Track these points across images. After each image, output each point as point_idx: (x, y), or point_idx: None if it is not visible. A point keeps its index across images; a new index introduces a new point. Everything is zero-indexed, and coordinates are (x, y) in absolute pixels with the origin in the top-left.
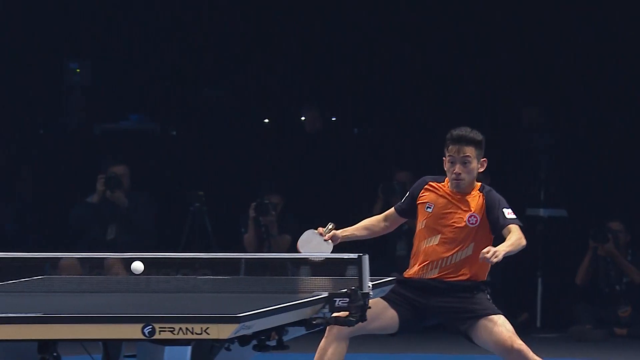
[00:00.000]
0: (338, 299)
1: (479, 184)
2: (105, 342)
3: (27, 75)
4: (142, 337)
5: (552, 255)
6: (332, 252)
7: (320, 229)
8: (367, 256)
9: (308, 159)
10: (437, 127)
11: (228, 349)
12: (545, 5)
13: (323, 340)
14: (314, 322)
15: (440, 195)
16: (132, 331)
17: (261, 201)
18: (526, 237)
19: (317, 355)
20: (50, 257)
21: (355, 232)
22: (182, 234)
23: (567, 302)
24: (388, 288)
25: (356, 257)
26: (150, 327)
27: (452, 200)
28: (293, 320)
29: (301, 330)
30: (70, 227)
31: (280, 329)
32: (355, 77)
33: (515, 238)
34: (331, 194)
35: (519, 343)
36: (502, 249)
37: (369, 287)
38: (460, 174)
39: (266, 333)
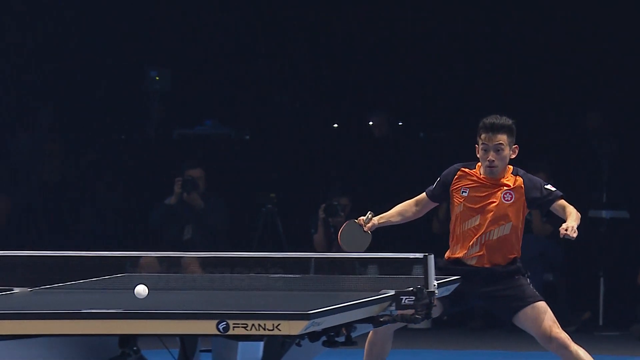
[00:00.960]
0: (404, 297)
1: (511, 167)
2: (182, 337)
3: (109, 84)
4: (217, 332)
5: (613, 255)
6: (398, 252)
7: (361, 219)
8: (432, 256)
9: (375, 162)
10: None
11: (299, 345)
12: (608, 11)
13: (372, 333)
14: (381, 319)
15: (474, 181)
16: (208, 327)
17: (330, 203)
18: (589, 239)
19: (366, 347)
20: (131, 256)
21: (390, 219)
22: (255, 234)
23: (629, 301)
24: (453, 287)
25: (422, 256)
26: (225, 323)
27: (487, 183)
28: (361, 318)
29: (369, 327)
30: (150, 228)
31: (349, 326)
32: (420, 83)
33: (574, 212)
34: (397, 195)
35: (557, 332)
36: (574, 224)
37: (435, 285)
38: (493, 160)
39: (335, 329)
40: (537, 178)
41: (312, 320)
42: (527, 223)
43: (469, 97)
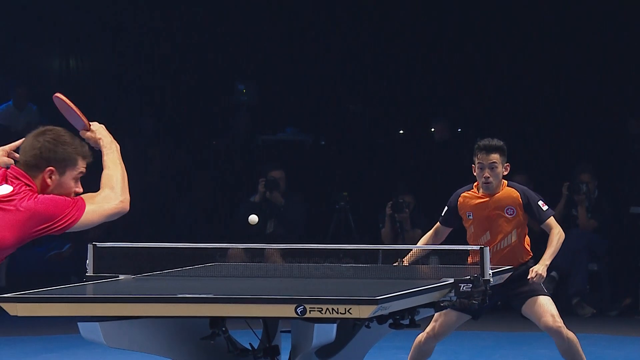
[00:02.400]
0: (462, 285)
1: (505, 182)
2: (265, 319)
3: (203, 96)
4: (296, 315)
5: None
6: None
7: (395, 264)
8: (487, 248)
9: (437, 164)
10: (551, 134)
11: (368, 327)
12: None
13: (424, 335)
14: (442, 304)
15: (475, 201)
16: (287, 310)
17: (396, 200)
18: (629, 233)
19: (414, 344)
20: (220, 248)
21: (418, 255)
22: (329, 228)
23: None
24: (507, 275)
25: (478, 248)
26: (302, 307)
27: (488, 202)
28: (423, 303)
29: (430, 311)
30: (237, 222)
31: (413, 310)
32: (478, 93)
33: (554, 241)
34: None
35: (558, 324)
36: (543, 265)
37: (490, 274)
38: (489, 177)
39: (400, 313)
40: (533, 194)
41: (379, 305)
42: (574, 218)
43: (522, 105)
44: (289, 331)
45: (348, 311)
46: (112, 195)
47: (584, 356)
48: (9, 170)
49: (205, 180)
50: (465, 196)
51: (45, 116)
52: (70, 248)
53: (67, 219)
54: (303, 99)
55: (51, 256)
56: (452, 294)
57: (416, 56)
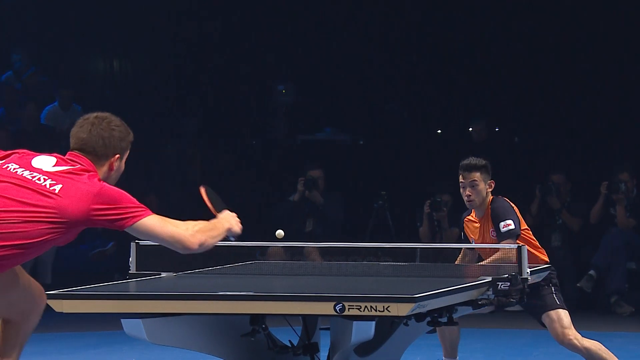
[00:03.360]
0: (500, 283)
1: (491, 198)
2: (304, 316)
3: (243, 96)
4: (334, 313)
5: None
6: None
7: None
8: (525, 246)
9: None
10: (589, 133)
11: (406, 325)
12: None
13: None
14: (480, 303)
15: (473, 225)
16: (326, 308)
17: (434, 199)
18: None
19: (438, 330)
20: (260, 246)
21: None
22: (367, 227)
23: None
24: (544, 274)
25: (515, 247)
26: (341, 305)
27: (481, 224)
28: (461, 301)
29: (468, 309)
30: (276, 221)
31: (451, 308)
32: (515, 93)
33: (496, 255)
34: (494, 193)
35: (570, 338)
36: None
37: (527, 272)
38: (470, 195)
39: (438, 311)
40: (501, 212)
41: (417, 303)
42: (612, 217)
43: (560, 104)
44: (328, 328)
45: (386, 309)
46: (190, 227)
47: (613, 357)
48: (65, 156)
49: (245, 180)
50: (467, 219)
51: None
52: (114, 246)
53: (130, 212)
54: (342, 99)
55: (95, 254)
56: (490, 292)
57: (455, 56)
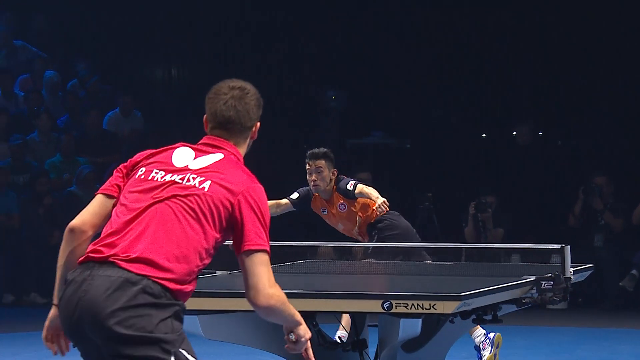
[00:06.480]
0: (544, 282)
1: (335, 186)
2: (353, 314)
3: (294, 102)
4: (382, 310)
5: None
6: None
7: None
8: (568, 246)
9: (519, 166)
10: (631, 135)
11: (452, 322)
12: None
13: None
14: (524, 301)
15: (321, 202)
16: (374, 306)
17: (479, 201)
18: None
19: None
20: (311, 246)
21: None
22: (414, 227)
23: None
24: (587, 273)
25: (559, 247)
26: (389, 302)
27: (328, 204)
28: (505, 299)
29: (512, 307)
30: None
31: (495, 306)
32: (559, 97)
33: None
34: (538, 194)
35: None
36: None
37: (571, 272)
38: (315, 180)
39: (483, 309)
40: (342, 182)
41: (463, 301)
42: None
43: (603, 107)
44: (376, 325)
45: (432, 307)
46: (278, 288)
47: None
48: (200, 142)
49: (296, 183)
50: (315, 196)
51: (149, 122)
52: None
53: (266, 233)
54: (390, 104)
55: None
56: (534, 291)
57: (499, 61)
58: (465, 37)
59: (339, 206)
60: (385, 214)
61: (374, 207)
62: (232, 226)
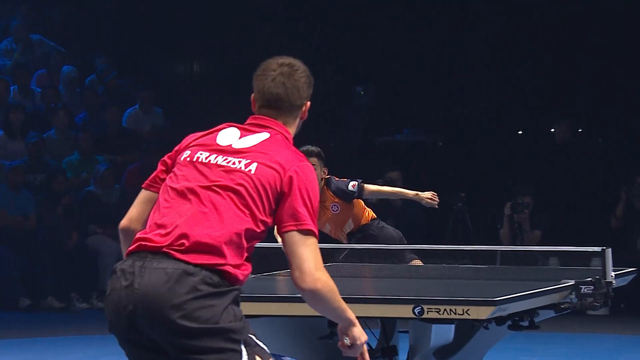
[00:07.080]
0: (584, 287)
1: (325, 187)
2: (382, 319)
3: (322, 98)
4: (413, 316)
5: None
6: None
7: None
8: (609, 249)
9: (557, 165)
10: None
11: (486, 328)
12: None
13: None
14: (562, 307)
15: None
16: (405, 311)
17: (515, 201)
18: None
19: None
20: (339, 248)
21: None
22: (447, 229)
23: None
24: (630, 277)
25: (600, 250)
26: (420, 307)
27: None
28: (543, 305)
29: (550, 313)
30: None
31: (532, 312)
32: (598, 93)
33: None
34: (578, 194)
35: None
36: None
37: (612, 276)
38: None
39: (519, 315)
40: (339, 182)
41: (498, 307)
42: None
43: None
44: (406, 331)
45: (466, 312)
46: (325, 273)
47: None
48: (247, 122)
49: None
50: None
51: (170, 119)
52: None
53: (313, 214)
54: (420, 100)
55: None
56: (573, 296)
57: (536, 57)
58: (502, 31)
59: (332, 207)
60: (367, 223)
61: (423, 203)
62: (279, 205)
